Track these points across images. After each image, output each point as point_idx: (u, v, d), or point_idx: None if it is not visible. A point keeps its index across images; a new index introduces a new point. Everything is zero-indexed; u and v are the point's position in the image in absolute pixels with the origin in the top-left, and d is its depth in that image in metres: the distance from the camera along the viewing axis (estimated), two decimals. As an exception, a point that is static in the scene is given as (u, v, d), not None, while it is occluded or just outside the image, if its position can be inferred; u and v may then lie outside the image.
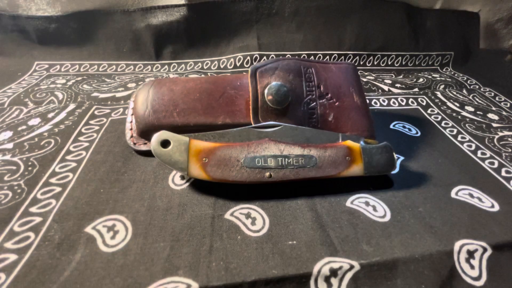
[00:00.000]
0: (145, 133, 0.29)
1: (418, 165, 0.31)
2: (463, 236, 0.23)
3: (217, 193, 0.26)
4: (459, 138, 0.36)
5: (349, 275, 0.20)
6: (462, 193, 0.27)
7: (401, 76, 0.55)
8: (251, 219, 0.24)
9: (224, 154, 0.25)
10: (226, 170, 0.24)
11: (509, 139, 0.36)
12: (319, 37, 0.56)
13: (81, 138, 0.32)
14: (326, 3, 0.54)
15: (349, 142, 0.26)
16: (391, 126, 0.38)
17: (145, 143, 0.30)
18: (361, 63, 0.57)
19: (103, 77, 0.49)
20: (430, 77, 0.55)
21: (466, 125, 0.39)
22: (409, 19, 0.57)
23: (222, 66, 0.54)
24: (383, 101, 0.44)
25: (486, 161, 0.32)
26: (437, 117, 0.41)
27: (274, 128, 0.27)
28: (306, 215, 0.24)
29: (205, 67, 0.54)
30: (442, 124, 0.39)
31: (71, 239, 0.21)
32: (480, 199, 0.27)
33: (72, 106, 0.38)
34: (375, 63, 0.57)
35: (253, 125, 0.28)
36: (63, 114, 0.36)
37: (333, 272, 0.20)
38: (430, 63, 0.59)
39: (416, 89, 0.49)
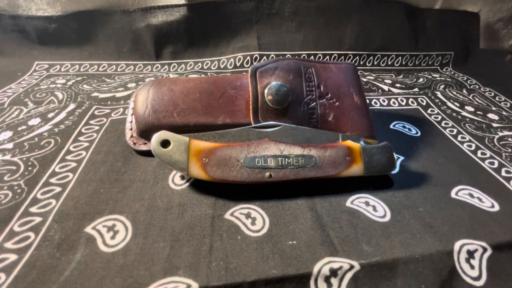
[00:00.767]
0: (145, 133, 0.29)
1: (418, 165, 0.31)
2: (463, 236, 0.23)
3: (217, 193, 0.26)
4: (459, 138, 0.36)
5: (349, 275, 0.20)
6: (462, 193, 0.27)
7: (401, 76, 0.55)
8: (251, 219, 0.24)
9: (224, 154, 0.25)
10: (226, 170, 0.24)
11: (509, 139, 0.36)
12: (319, 37, 0.56)
13: (81, 138, 0.32)
14: (326, 3, 0.54)
15: (349, 142, 0.26)
16: (391, 126, 0.38)
17: (145, 143, 0.30)
18: (361, 63, 0.57)
19: (103, 77, 0.49)
20: (430, 77, 0.55)
21: (466, 125, 0.39)
22: (409, 19, 0.57)
23: (222, 66, 0.54)
24: (383, 101, 0.44)
25: (486, 161, 0.32)
26: (437, 117, 0.41)
27: (274, 128, 0.27)
28: (306, 215, 0.24)
29: (205, 67, 0.54)
30: (442, 124, 0.39)
31: (71, 239, 0.21)
32: (480, 199, 0.27)
33: (72, 106, 0.38)
34: (375, 63, 0.57)
35: (253, 125, 0.28)
36: (63, 114, 0.36)
37: (333, 272, 0.20)
38: (430, 63, 0.59)
39: (416, 89, 0.49)
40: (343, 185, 0.27)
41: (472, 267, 0.22)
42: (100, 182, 0.27)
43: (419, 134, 0.36)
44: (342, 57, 0.56)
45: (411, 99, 0.45)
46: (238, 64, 0.53)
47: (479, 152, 0.34)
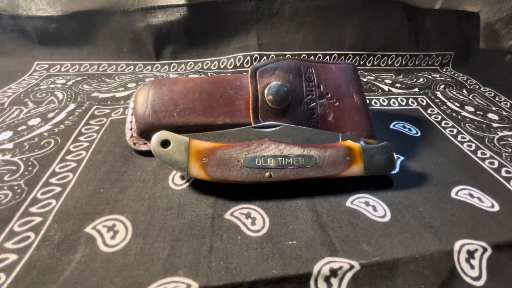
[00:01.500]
0: (145, 133, 0.29)
1: (418, 165, 0.31)
2: (463, 236, 0.23)
3: (217, 193, 0.26)
4: (459, 138, 0.36)
5: (349, 275, 0.20)
6: (462, 193, 0.27)
7: (401, 76, 0.54)
8: (251, 219, 0.24)
9: (224, 154, 0.25)
10: (226, 170, 0.24)
11: (509, 139, 0.36)
12: (319, 37, 0.56)
13: (81, 138, 0.32)
14: (326, 3, 0.54)
15: (349, 142, 0.26)
16: (391, 126, 0.38)
17: (145, 143, 0.30)
18: (361, 63, 0.57)
19: (103, 77, 0.49)
20: (430, 77, 0.55)
21: (466, 125, 0.39)
22: (409, 19, 0.57)
23: (222, 66, 0.54)
24: (383, 101, 0.44)
25: (486, 161, 0.32)
26: (437, 117, 0.41)
27: (274, 128, 0.27)
28: (306, 215, 0.24)
29: (205, 67, 0.54)
30: (442, 124, 0.39)
31: (71, 239, 0.21)
32: (480, 199, 0.27)
33: (72, 106, 0.38)
34: (375, 63, 0.57)
35: (253, 125, 0.28)
36: (63, 114, 0.36)
37: (333, 272, 0.20)
38: (430, 63, 0.59)
39: (416, 89, 0.49)
40: (343, 185, 0.27)
41: (472, 267, 0.22)
42: (100, 182, 0.27)
43: (419, 134, 0.36)
44: (342, 57, 0.56)
45: (411, 99, 0.45)
46: (238, 64, 0.53)
47: (479, 152, 0.34)
